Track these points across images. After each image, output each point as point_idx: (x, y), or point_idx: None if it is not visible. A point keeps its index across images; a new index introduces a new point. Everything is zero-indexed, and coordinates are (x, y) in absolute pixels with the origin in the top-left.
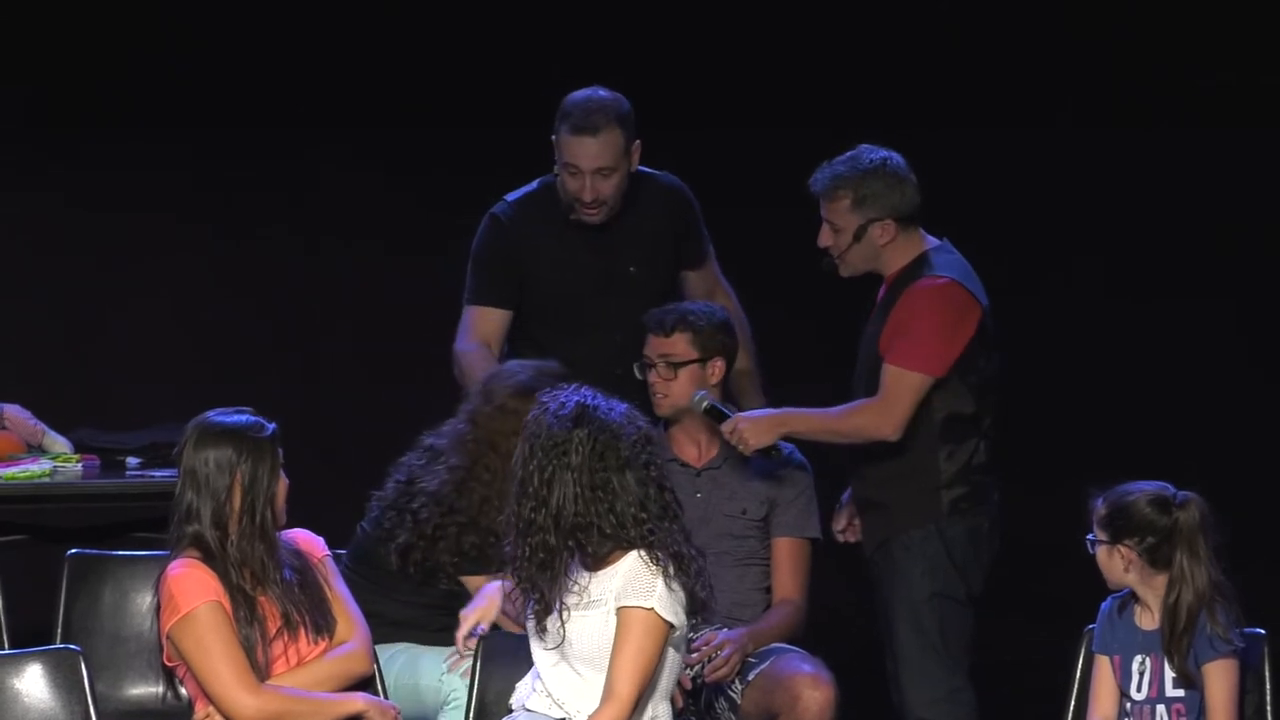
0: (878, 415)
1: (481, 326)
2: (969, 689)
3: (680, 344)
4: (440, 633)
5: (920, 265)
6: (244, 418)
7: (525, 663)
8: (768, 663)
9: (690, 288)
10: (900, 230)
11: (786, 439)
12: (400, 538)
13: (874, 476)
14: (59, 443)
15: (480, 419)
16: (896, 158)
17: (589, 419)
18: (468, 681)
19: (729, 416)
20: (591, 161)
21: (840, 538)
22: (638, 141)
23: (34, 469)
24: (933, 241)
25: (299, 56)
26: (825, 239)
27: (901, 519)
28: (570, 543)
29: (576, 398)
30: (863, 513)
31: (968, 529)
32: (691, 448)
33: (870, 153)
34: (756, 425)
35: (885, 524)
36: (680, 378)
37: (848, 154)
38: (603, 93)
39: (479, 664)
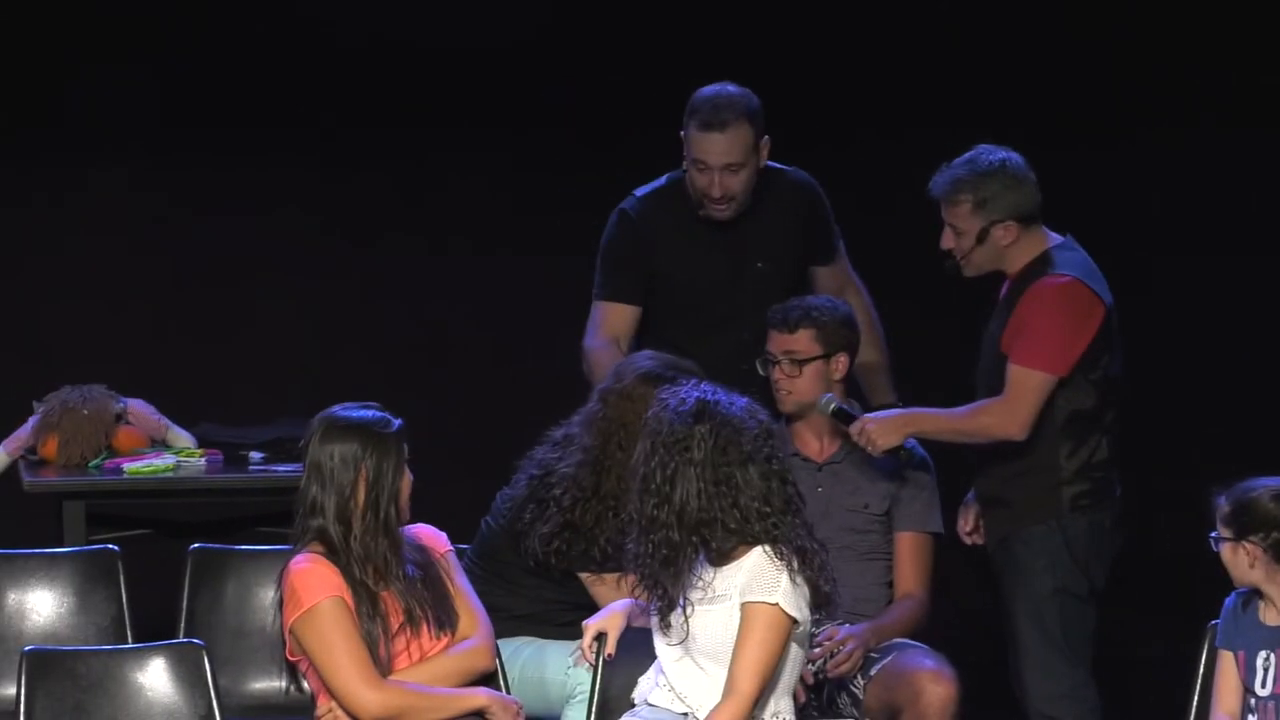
0: (1003, 415)
1: (610, 322)
2: (1091, 684)
3: (804, 340)
4: (565, 627)
5: (1043, 263)
6: (370, 413)
7: (648, 658)
8: (890, 658)
9: (820, 284)
10: (1022, 230)
11: (913, 439)
12: (543, 528)
13: (997, 473)
14: (183, 438)
15: (610, 398)
16: (1015, 158)
17: (710, 414)
18: (593, 676)
19: (856, 418)
20: (720, 157)
21: (967, 540)
22: (766, 137)
23: (158, 464)
24: (1055, 239)
25: (426, 57)
26: (948, 241)
27: (1023, 515)
28: (694, 538)
29: (696, 394)
30: (986, 509)
31: (1089, 524)
32: (814, 442)
33: (989, 154)
34: (884, 426)
35: (1007, 520)
36: (805, 374)
37: (966, 156)
38: (732, 88)
39: (602, 659)
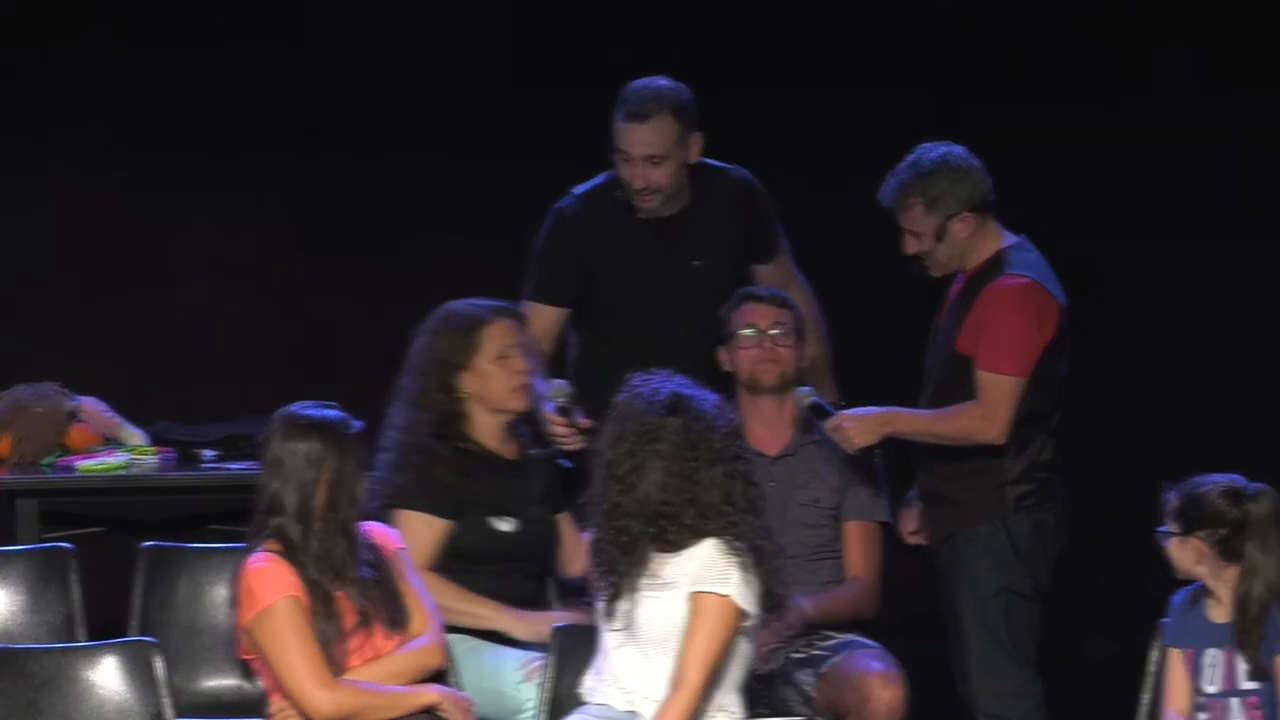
0: (983, 420)
1: (536, 323)
2: (1037, 682)
3: (787, 316)
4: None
5: (998, 263)
6: (332, 413)
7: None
8: (840, 656)
9: (762, 282)
10: (979, 221)
11: (890, 439)
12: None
13: (942, 472)
14: (135, 435)
15: (419, 339)
16: (957, 149)
17: (683, 408)
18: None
19: (832, 414)
20: (642, 149)
21: (910, 539)
22: (698, 133)
23: (110, 461)
24: (1010, 238)
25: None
26: (910, 247)
27: (968, 514)
28: (651, 529)
29: (671, 385)
30: (929, 508)
31: (1034, 524)
32: (764, 435)
33: (929, 152)
34: (861, 425)
35: (952, 519)
36: (792, 347)
37: (907, 160)
38: (662, 81)
39: (554, 656)
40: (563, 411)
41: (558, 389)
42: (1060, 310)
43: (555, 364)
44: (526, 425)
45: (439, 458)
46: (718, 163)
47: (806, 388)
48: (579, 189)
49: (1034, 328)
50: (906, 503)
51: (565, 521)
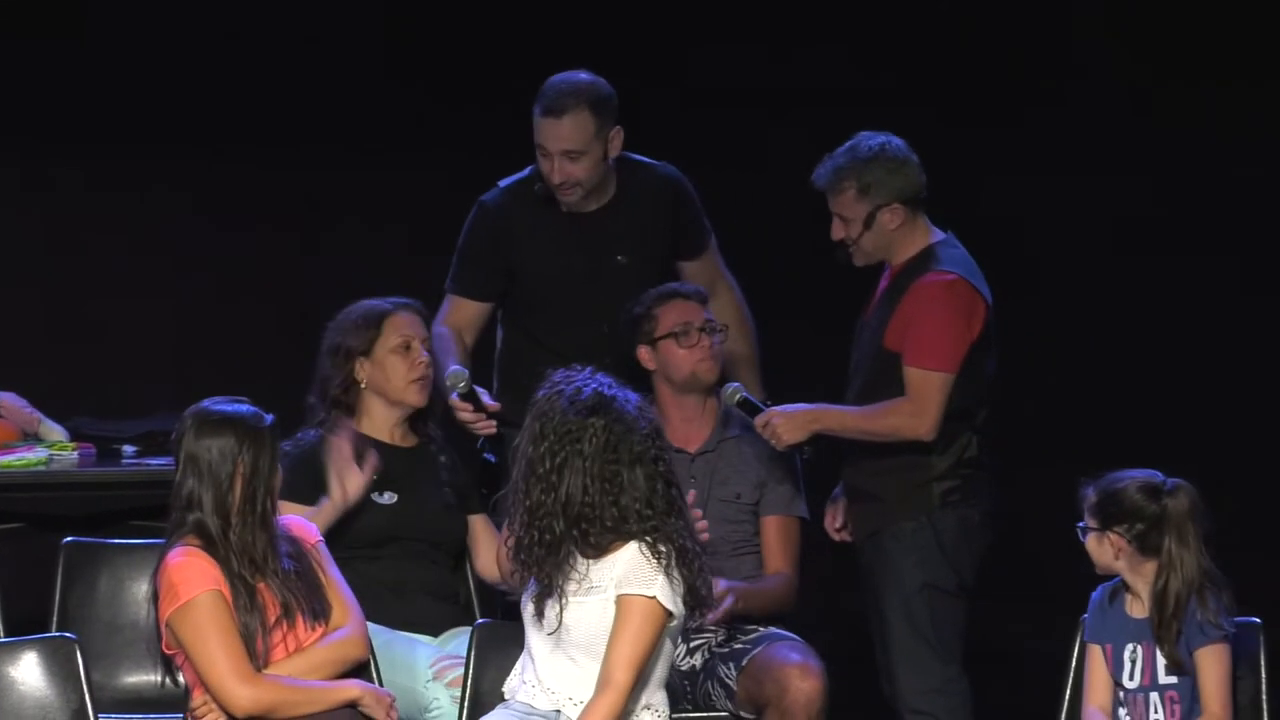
0: (912, 417)
1: (454, 315)
2: (962, 679)
3: (713, 309)
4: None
5: (927, 259)
6: (244, 407)
7: (520, 651)
8: (760, 649)
9: (690, 278)
10: (908, 214)
11: (818, 435)
12: None
13: (867, 467)
14: (55, 431)
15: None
16: (896, 141)
17: (605, 409)
18: (451, 692)
19: (762, 410)
20: (558, 143)
21: (835, 536)
22: (618, 128)
23: (30, 457)
24: (938, 234)
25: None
26: (837, 232)
27: (893, 510)
28: (575, 531)
29: (594, 385)
30: (854, 504)
31: (959, 520)
32: (683, 431)
33: (868, 139)
34: (791, 421)
35: (877, 515)
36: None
37: (846, 144)
38: (582, 75)
39: (474, 653)
40: (465, 397)
41: (455, 375)
42: (987, 307)
43: (479, 359)
44: (438, 429)
45: (318, 447)
46: (644, 158)
47: (735, 384)
48: (504, 182)
49: (962, 324)
50: (833, 499)
51: (481, 523)
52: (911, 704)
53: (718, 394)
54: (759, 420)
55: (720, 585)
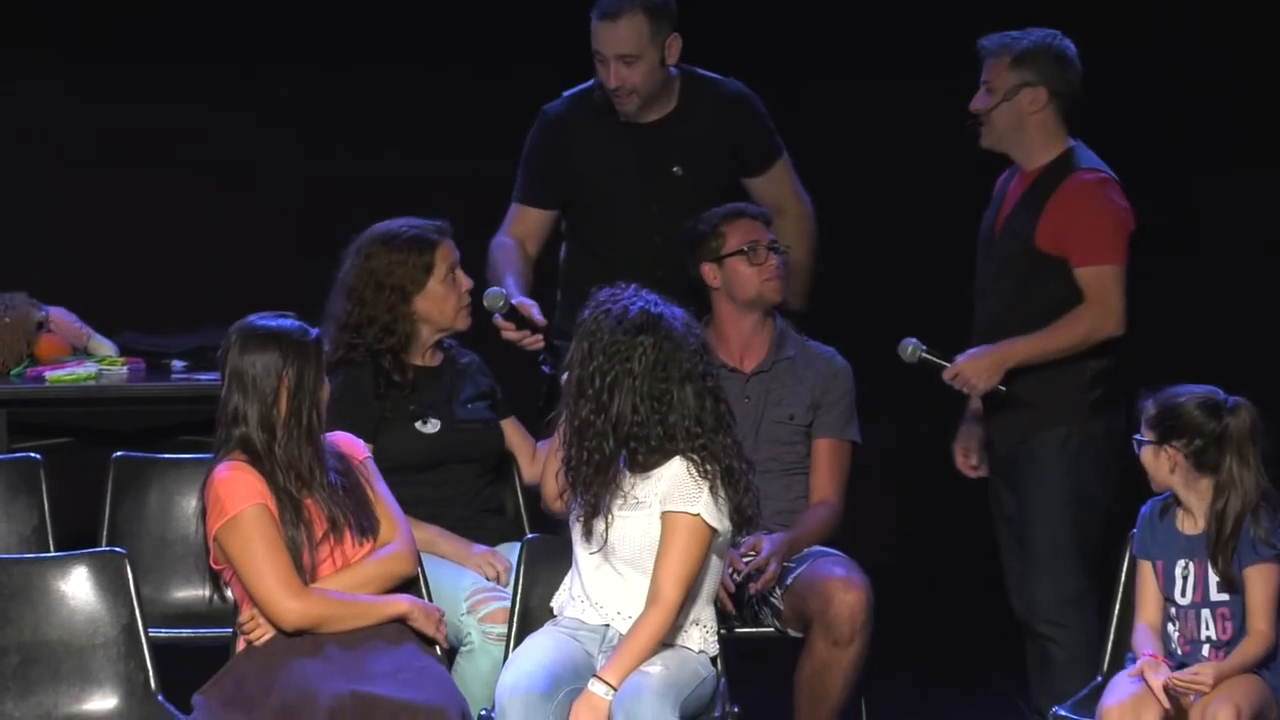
0: (1099, 318)
1: (519, 224)
2: (1096, 593)
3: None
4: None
5: (1069, 159)
6: (289, 322)
7: (568, 566)
8: (804, 567)
9: (758, 195)
10: (1051, 108)
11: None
12: None
13: (1019, 374)
14: (104, 346)
15: (349, 261)
16: (1071, 46)
17: (653, 327)
18: (483, 628)
19: (946, 365)
20: (612, 47)
21: (971, 472)
22: (675, 35)
23: (80, 372)
24: (1071, 140)
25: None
26: (978, 103)
27: (1046, 416)
28: (624, 450)
29: (640, 303)
30: (996, 411)
31: (1106, 429)
32: (738, 351)
33: (1047, 31)
34: (978, 365)
35: (1027, 421)
36: None
37: (1028, 29)
38: None
39: (523, 568)
40: (508, 316)
41: (493, 296)
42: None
43: (544, 270)
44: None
45: (359, 379)
46: (712, 74)
47: (912, 339)
48: (568, 92)
49: (1121, 219)
50: (962, 432)
51: (512, 426)
52: (1049, 615)
53: (775, 315)
54: (947, 374)
55: (765, 549)
